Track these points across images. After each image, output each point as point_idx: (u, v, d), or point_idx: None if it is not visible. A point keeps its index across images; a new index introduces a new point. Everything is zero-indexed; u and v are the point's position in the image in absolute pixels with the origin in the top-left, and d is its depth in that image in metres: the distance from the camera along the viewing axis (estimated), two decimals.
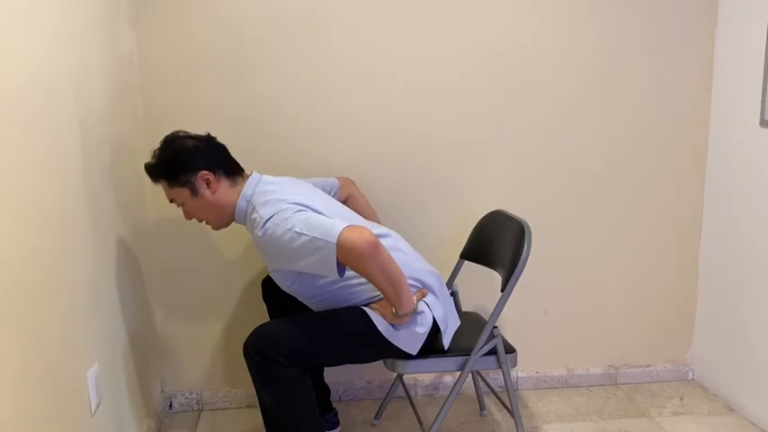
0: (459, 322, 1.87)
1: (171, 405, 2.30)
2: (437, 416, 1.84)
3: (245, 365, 1.63)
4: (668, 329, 2.54)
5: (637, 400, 2.40)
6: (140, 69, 2.09)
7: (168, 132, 2.10)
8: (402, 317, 1.65)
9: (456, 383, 1.81)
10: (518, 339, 2.01)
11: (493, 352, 1.80)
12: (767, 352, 2.14)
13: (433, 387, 2.43)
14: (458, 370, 1.79)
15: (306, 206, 1.63)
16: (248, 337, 1.62)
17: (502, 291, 1.77)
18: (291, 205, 1.62)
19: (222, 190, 1.73)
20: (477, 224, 2.09)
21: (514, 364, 1.84)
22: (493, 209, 2.05)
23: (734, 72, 2.27)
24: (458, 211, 2.30)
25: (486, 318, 1.84)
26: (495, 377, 2.39)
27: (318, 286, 1.72)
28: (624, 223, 2.43)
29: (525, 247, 1.73)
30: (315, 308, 1.79)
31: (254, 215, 1.67)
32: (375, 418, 2.22)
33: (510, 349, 1.84)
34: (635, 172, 2.40)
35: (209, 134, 1.79)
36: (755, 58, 2.15)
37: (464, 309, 2.17)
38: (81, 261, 1.52)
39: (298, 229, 1.56)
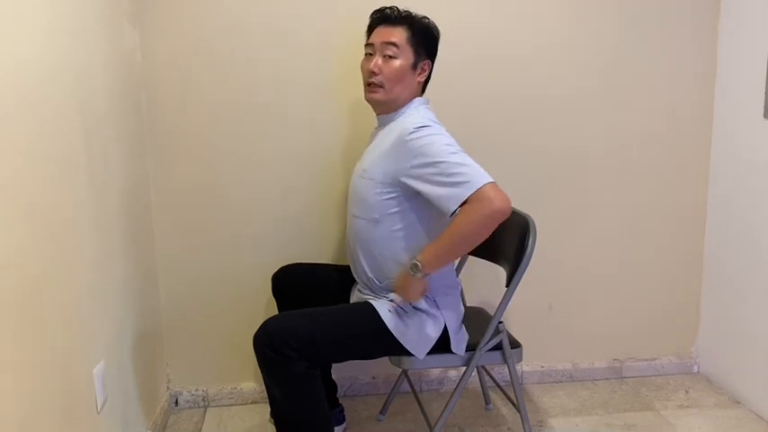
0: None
1: (177, 402, 2.31)
2: (443, 411, 1.84)
3: (251, 362, 1.64)
4: (673, 323, 2.53)
5: (642, 393, 2.40)
6: (143, 66, 2.09)
7: (170, 128, 2.12)
8: (413, 278, 1.61)
9: (461, 379, 1.81)
10: (523, 333, 2.01)
11: (498, 347, 1.80)
12: None
13: (438, 382, 2.43)
14: (463, 365, 1.79)
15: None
16: (257, 331, 1.62)
17: (507, 286, 1.77)
18: (450, 139, 1.64)
19: (417, 84, 1.78)
20: None
21: (520, 359, 1.84)
22: None
23: (737, 65, 2.26)
24: None
25: (491, 313, 1.85)
26: (501, 371, 2.39)
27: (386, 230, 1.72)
28: (628, 217, 2.43)
29: (530, 242, 1.73)
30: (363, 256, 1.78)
31: (415, 117, 1.69)
32: (380, 413, 2.23)
33: (515, 344, 1.84)
34: (639, 166, 2.40)
35: None
36: (759, 50, 2.14)
37: (469, 304, 2.16)
38: (85, 259, 1.52)
39: (455, 150, 1.58)
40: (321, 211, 2.25)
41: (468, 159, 1.58)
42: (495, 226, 1.55)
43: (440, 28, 1.82)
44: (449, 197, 1.55)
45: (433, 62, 1.81)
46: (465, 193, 1.53)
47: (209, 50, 2.11)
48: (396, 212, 1.70)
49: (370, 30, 1.81)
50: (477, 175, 1.54)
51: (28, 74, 1.25)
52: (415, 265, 1.60)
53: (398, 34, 1.73)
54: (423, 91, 1.83)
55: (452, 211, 1.56)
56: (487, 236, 1.56)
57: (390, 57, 1.73)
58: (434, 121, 1.68)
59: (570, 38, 2.28)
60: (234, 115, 2.16)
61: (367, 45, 1.80)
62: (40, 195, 1.28)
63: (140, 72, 2.08)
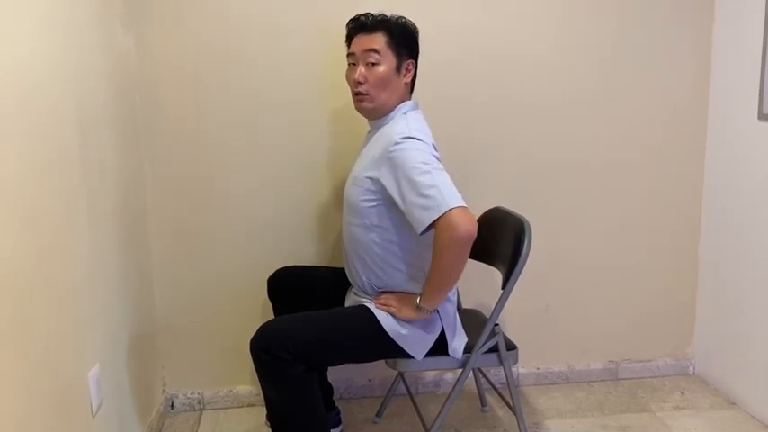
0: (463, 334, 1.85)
1: (173, 405, 2.30)
2: (439, 413, 1.84)
3: (247, 365, 1.64)
4: (669, 324, 2.54)
5: (638, 394, 2.40)
6: (138, 67, 2.08)
7: (166, 131, 2.12)
8: (419, 313, 1.65)
9: (458, 381, 1.81)
10: (519, 335, 2.02)
11: (494, 349, 1.80)
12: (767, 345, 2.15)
13: (434, 384, 2.43)
14: (459, 368, 1.79)
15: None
16: (254, 334, 1.63)
17: (503, 288, 1.77)
18: (435, 155, 1.64)
19: (404, 86, 1.77)
20: (477, 221, 2.07)
21: (516, 361, 1.84)
22: (493, 206, 2.05)
23: (732, 66, 2.27)
24: None
25: (487, 315, 1.85)
26: (497, 373, 2.39)
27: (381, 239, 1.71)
28: (624, 218, 2.44)
29: (525, 244, 1.73)
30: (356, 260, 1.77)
31: (403, 125, 1.68)
32: (377, 415, 2.23)
33: (511, 346, 1.84)
34: (634, 167, 2.40)
35: None
36: (753, 51, 2.15)
37: (464, 306, 2.17)
38: (80, 261, 1.52)
39: (429, 169, 1.56)
40: (317, 213, 2.25)
41: (439, 179, 1.55)
42: (467, 250, 1.56)
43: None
44: (417, 219, 1.56)
45: (416, 61, 1.80)
46: (430, 217, 1.53)
47: (205, 51, 2.11)
48: (384, 219, 1.70)
49: (349, 39, 1.80)
50: (445, 199, 1.53)
51: (27, 74, 1.25)
52: (419, 307, 1.64)
53: (378, 40, 1.73)
54: (411, 90, 1.82)
55: (420, 232, 1.57)
56: (466, 257, 1.58)
57: (373, 64, 1.72)
58: (420, 131, 1.67)
59: (564, 41, 2.28)
60: (229, 116, 2.15)
61: (349, 55, 1.79)
62: (34, 197, 1.27)
63: (135, 72, 2.08)
